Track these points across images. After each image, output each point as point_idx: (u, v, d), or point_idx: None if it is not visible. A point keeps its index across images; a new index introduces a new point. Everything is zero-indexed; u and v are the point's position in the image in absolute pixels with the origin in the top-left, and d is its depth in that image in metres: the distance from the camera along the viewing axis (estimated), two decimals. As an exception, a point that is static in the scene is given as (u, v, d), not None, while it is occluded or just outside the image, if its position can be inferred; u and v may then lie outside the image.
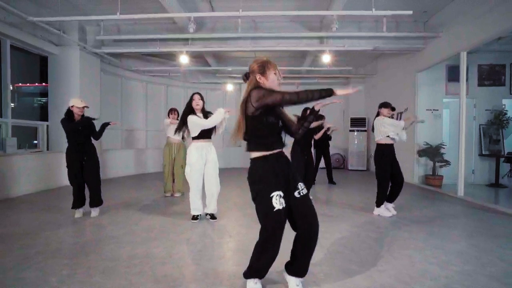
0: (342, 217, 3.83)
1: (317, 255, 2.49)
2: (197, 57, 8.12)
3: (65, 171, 5.39)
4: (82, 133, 3.71)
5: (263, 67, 1.82)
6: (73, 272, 2.20)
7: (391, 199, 3.96)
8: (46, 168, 5.68)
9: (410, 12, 4.49)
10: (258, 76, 1.83)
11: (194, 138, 3.50)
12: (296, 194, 1.81)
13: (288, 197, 1.80)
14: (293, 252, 1.89)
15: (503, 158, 6.56)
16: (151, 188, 5.89)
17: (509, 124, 6.49)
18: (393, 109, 3.93)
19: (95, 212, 3.80)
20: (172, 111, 5.12)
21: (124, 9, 5.01)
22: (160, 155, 8.50)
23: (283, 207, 1.73)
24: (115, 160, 7.53)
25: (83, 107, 3.64)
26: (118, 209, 4.16)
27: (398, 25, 6.07)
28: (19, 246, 2.74)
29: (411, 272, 2.24)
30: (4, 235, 3.04)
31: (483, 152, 6.69)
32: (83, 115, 3.69)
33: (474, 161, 6.80)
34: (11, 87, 5.59)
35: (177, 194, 5.11)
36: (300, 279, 1.91)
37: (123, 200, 4.80)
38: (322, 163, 6.67)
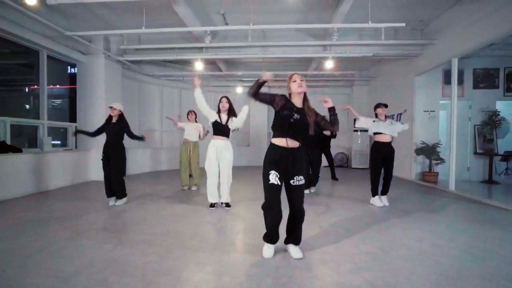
0: (341, 206, 4.34)
1: (314, 232, 3.04)
2: (210, 63, 8.72)
3: (91, 167, 6.24)
4: (111, 134, 4.33)
5: (288, 82, 2.48)
6: (120, 241, 2.79)
7: (382, 192, 4.46)
8: (76, 164, 6.34)
9: (403, 24, 4.99)
10: (288, 90, 2.50)
11: (214, 135, 4.10)
12: (291, 182, 2.37)
13: (286, 182, 2.38)
14: (287, 227, 2.50)
15: (500, 157, 6.98)
16: (169, 183, 6.49)
17: (502, 124, 6.89)
18: (385, 106, 4.42)
19: (119, 202, 4.38)
20: (190, 112, 5.73)
21: (146, 21, 5.63)
22: (174, 154, 9.19)
23: (277, 184, 2.32)
24: (134, 158, 8.16)
25: (110, 107, 4.32)
26: (144, 199, 4.76)
27: (396, 33, 6.57)
28: (69, 225, 3.34)
29: (392, 244, 2.76)
30: (53, 218, 3.65)
31: (478, 151, 7.11)
32: (121, 117, 4.36)
33: (469, 159, 7.22)
34: (46, 91, 6.25)
35: (193, 188, 5.70)
36: (297, 246, 2.47)
37: (147, 192, 5.40)
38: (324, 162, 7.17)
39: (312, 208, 4.01)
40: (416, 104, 7.18)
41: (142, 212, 3.97)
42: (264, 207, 2.42)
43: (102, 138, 4.41)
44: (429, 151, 6.81)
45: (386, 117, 4.48)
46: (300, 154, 2.41)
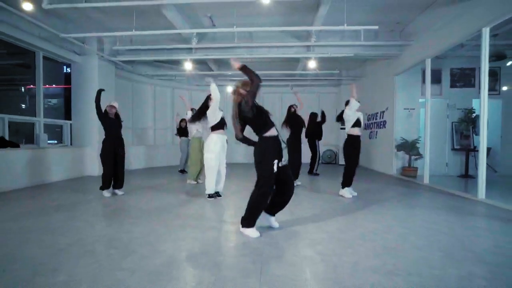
0: (317, 196, 4.69)
1: (286, 217, 3.37)
2: (201, 63, 9.04)
3: (88, 162, 6.51)
4: (116, 128, 4.66)
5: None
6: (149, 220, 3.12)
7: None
8: (71, 160, 6.65)
9: (376, 27, 5.33)
10: None
11: (214, 129, 4.30)
12: (280, 164, 2.74)
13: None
14: (272, 201, 2.85)
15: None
16: (169, 178, 6.81)
17: (477, 122, 7.25)
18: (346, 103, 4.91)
19: (120, 192, 4.73)
20: (191, 111, 5.96)
21: (137, 23, 5.94)
22: (168, 151, 9.52)
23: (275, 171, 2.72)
24: (128, 155, 8.42)
25: (111, 106, 4.68)
26: (144, 190, 5.08)
27: (376, 35, 6.91)
28: (82, 210, 3.66)
29: (351, 225, 3.10)
30: (62, 205, 3.97)
31: (455, 147, 7.48)
32: (117, 114, 4.71)
33: (448, 155, 7.59)
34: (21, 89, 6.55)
35: (200, 181, 5.97)
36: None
37: (146, 185, 5.72)
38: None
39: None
40: (396, 102, 7.54)
41: (146, 200, 4.30)
42: (264, 193, 2.70)
43: (100, 135, 4.71)
44: (409, 147, 7.16)
45: None
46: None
